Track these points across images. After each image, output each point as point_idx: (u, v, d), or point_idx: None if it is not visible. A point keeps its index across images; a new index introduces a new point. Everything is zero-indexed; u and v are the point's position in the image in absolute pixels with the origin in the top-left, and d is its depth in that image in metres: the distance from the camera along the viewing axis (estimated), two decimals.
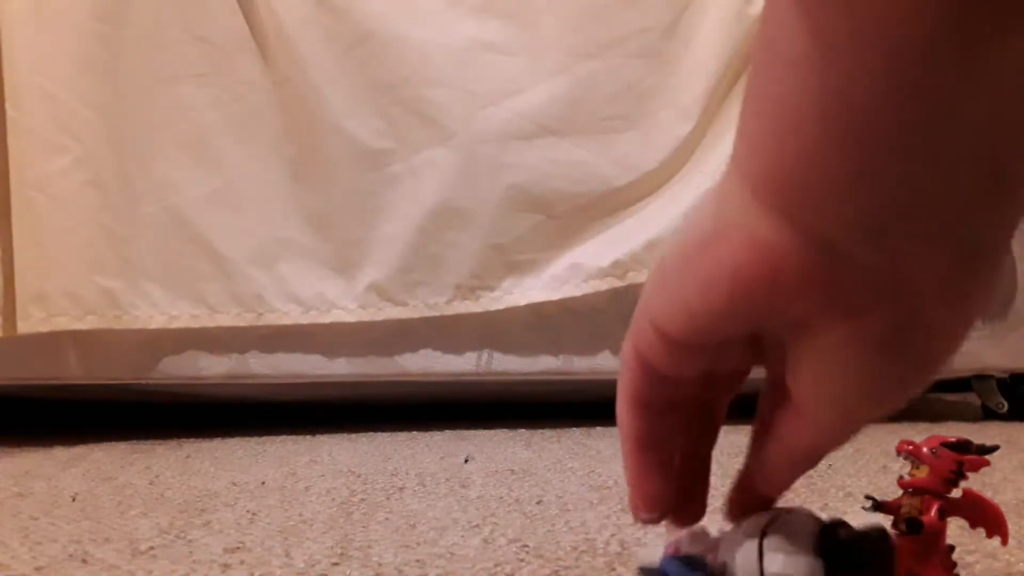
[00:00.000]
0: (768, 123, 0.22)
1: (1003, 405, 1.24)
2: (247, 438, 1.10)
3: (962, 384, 1.33)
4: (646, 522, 0.32)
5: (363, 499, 0.72)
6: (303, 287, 1.11)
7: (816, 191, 0.22)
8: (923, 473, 0.40)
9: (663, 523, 0.33)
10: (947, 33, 0.18)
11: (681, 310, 0.26)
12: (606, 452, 0.95)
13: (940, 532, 0.40)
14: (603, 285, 1.11)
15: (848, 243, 0.22)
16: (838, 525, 0.32)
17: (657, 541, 0.36)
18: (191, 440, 1.09)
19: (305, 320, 1.11)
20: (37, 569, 0.53)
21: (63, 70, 1.06)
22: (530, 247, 1.14)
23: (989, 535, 0.40)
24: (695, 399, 0.33)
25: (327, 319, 1.11)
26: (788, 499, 0.35)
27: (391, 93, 1.13)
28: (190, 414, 1.35)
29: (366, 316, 1.12)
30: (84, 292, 1.04)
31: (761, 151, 0.23)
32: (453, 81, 1.13)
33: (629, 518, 0.63)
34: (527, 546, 0.56)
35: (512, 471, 0.84)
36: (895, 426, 1.17)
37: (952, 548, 0.41)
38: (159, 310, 1.08)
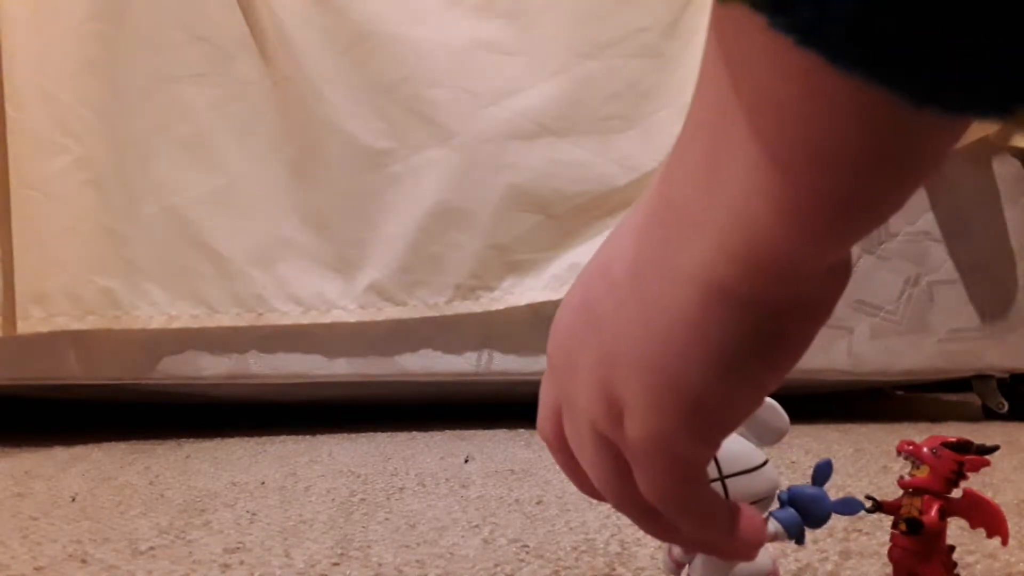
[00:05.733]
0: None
1: (1003, 405, 1.24)
2: (247, 438, 1.09)
3: (962, 384, 1.33)
4: None
5: (363, 499, 0.72)
6: (303, 287, 1.11)
7: None
8: (923, 473, 0.40)
9: None
10: None
11: None
12: None
13: (940, 532, 0.40)
14: None
15: None
16: None
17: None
18: (191, 440, 1.09)
19: (305, 320, 1.11)
20: (37, 569, 0.53)
21: (63, 70, 1.06)
22: (530, 247, 1.14)
23: (989, 535, 0.40)
24: None
25: (327, 319, 1.11)
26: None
27: (391, 93, 1.12)
28: (190, 414, 1.35)
29: (366, 316, 1.12)
30: (84, 292, 1.04)
31: None
32: (453, 81, 1.13)
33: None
34: (527, 546, 0.56)
35: (512, 471, 0.84)
36: (895, 426, 1.17)
37: (952, 548, 0.41)
38: (159, 310, 1.08)
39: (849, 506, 0.35)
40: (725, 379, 0.22)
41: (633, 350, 0.23)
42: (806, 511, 0.34)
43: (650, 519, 0.26)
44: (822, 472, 0.35)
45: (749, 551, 0.27)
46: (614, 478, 0.26)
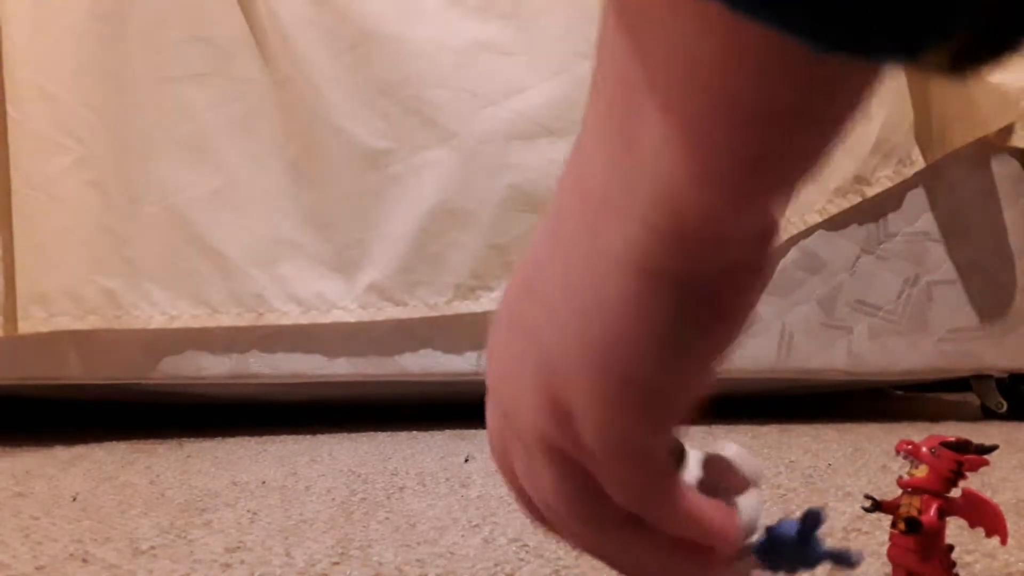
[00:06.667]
0: None
1: (1002, 405, 1.24)
2: (247, 438, 1.10)
3: (962, 384, 1.33)
4: None
5: (363, 499, 0.72)
6: (303, 287, 1.11)
7: None
8: (922, 473, 0.40)
9: None
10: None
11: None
12: None
13: (939, 532, 0.40)
14: None
15: None
16: None
17: None
18: (191, 440, 1.09)
19: (305, 320, 1.11)
20: (38, 568, 0.53)
21: (63, 70, 1.06)
22: None
23: (988, 535, 0.40)
24: None
25: (327, 319, 1.11)
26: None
27: (391, 93, 1.13)
28: (190, 414, 1.35)
29: (366, 316, 1.12)
30: (85, 292, 1.04)
31: None
32: (453, 81, 1.14)
33: None
34: (527, 546, 0.56)
35: None
36: (895, 426, 1.17)
37: (951, 548, 0.41)
38: (159, 310, 1.08)
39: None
40: (669, 361, 0.21)
41: (572, 350, 0.22)
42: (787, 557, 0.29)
43: (627, 539, 0.25)
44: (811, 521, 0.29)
45: (728, 547, 0.26)
46: (582, 497, 0.24)
